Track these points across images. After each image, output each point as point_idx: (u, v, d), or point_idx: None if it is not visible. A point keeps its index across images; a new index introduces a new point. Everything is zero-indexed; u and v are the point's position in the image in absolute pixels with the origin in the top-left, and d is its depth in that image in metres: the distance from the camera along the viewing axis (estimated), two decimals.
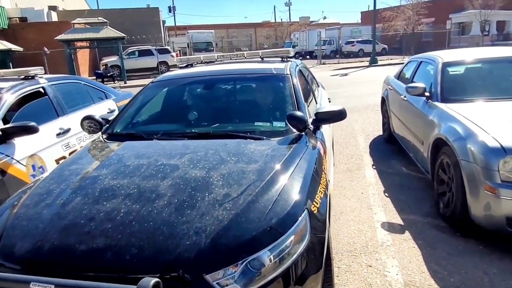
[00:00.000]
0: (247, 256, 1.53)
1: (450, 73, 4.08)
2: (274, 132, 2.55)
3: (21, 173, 3.23)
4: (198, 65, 3.92)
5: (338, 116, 2.70)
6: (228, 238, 1.56)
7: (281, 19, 58.14)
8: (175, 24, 50.02)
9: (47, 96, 4.00)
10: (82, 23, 21.55)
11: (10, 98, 3.53)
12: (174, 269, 1.47)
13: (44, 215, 1.79)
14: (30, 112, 3.66)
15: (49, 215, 1.78)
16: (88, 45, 21.64)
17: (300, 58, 34.89)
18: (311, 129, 2.56)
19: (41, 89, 3.98)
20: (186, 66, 3.87)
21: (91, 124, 2.83)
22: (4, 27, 21.63)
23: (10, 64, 19.60)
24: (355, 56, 28.55)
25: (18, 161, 3.24)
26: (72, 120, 3.97)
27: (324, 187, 2.13)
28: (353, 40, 31.55)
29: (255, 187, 1.84)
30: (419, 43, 25.89)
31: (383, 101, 6.21)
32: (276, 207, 1.72)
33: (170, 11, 50.96)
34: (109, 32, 19.97)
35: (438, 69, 4.05)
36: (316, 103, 3.59)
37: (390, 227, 3.27)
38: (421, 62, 4.87)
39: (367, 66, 21.36)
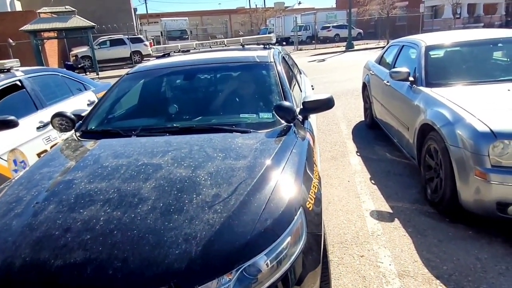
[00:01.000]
0: (242, 262, 1.41)
1: (433, 56, 4.05)
2: (261, 124, 2.41)
3: (2, 168, 3.18)
4: (175, 54, 3.72)
5: (326, 104, 2.60)
6: (221, 244, 1.43)
7: (256, 5, 57.48)
8: (147, 12, 48.68)
9: (24, 89, 3.90)
10: (48, 12, 20.54)
11: None
12: (164, 282, 1.33)
13: (13, 227, 1.60)
14: (8, 106, 3.59)
15: (19, 226, 1.59)
16: (56, 35, 20.61)
17: (276, 44, 34.65)
18: (300, 119, 2.45)
19: (18, 82, 3.88)
20: (163, 56, 3.66)
21: (62, 122, 2.61)
22: None
23: None
24: (331, 41, 28.56)
25: None
26: (52, 113, 3.78)
27: (317, 180, 2.03)
28: (328, 25, 31.53)
29: (246, 185, 1.71)
30: (394, 27, 26.09)
31: (364, 87, 6.17)
32: (270, 207, 1.61)
33: None
34: (77, 21, 19.07)
35: (421, 53, 4.00)
36: (301, 91, 3.47)
37: (379, 216, 3.23)
38: (403, 46, 4.82)
39: (344, 51, 21.41)
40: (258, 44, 3.52)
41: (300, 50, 24.11)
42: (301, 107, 2.61)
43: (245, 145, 2.10)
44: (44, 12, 20.19)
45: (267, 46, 3.45)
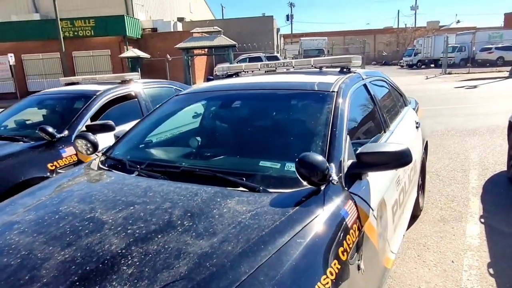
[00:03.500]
0: None
1: None
2: (280, 180, 1.70)
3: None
4: (243, 75, 3.24)
5: (394, 161, 1.74)
6: None
7: (405, 24, 53.75)
8: (291, 31, 50.53)
9: (136, 99, 4.35)
10: (200, 32, 23.04)
11: (101, 100, 3.92)
12: None
13: None
14: (118, 112, 4.02)
15: None
16: (203, 52, 22.95)
17: (423, 66, 31.46)
18: (335, 182, 1.62)
19: (132, 93, 4.33)
20: (229, 76, 3.23)
21: (83, 145, 2.38)
22: (138, 37, 24.52)
23: (139, 69, 22.15)
24: (492, 65, 24.13)
25: None
26: None
27: None
28: (491, 46, 26.85)
29: None
30: None
31: (511, 127, 4.60)
32: None
33: (288, 19, 51.77)
34: (222, 40, 20.86)
35: None
36: (384, 131, 2.55)
37: None
38: None
39: (507, 77, 17.73)
40: (333, 66, 2.76)
41: (449, 74, 21.07)
42: (355, 160, 1.79)
43: (231, 212, 1.44)
44: (196, 32, 22.73)
45: (346, 69, 2.67)
